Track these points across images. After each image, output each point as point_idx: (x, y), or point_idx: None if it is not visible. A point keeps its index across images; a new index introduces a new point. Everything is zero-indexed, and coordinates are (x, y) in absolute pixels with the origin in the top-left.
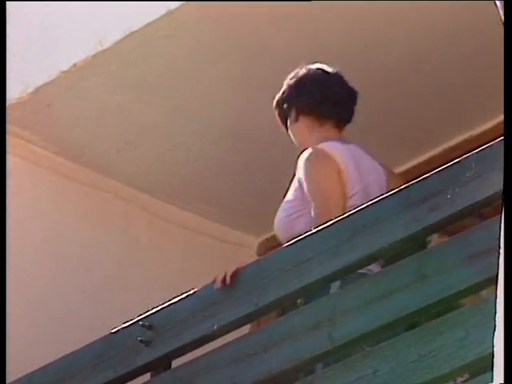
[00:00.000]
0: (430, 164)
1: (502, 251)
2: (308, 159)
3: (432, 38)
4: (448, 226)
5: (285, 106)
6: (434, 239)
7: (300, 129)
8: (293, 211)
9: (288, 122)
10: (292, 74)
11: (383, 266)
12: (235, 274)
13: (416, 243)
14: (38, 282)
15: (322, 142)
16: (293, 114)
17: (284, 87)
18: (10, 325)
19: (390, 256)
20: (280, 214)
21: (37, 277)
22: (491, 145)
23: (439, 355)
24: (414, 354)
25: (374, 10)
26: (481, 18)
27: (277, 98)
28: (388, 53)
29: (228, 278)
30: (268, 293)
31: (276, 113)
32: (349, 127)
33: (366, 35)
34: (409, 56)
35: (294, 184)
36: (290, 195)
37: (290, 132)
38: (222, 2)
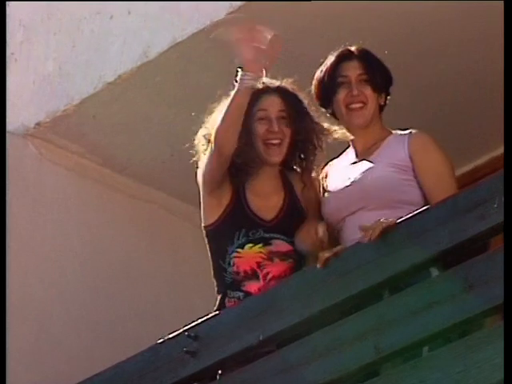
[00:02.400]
0: (475, 173)
1: None
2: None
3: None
4: (494, 235)
5: None
6: None
7: None
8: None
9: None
10: None
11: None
12: (339, 253)
13: (462, 253)
14: (84, 293)
15: None
16: None
17: None
18: (57, 335)
19: (438, 266)
20: (389, 175)
21: (83, 287)
22: None
23: (485, 366)
24: (461, 364)
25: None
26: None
27: None
28: (435, 64)
29: (333, 255)
30: (312, 303)
31: None
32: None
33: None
34: (457, 64)
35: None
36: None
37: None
38: (268, 12)
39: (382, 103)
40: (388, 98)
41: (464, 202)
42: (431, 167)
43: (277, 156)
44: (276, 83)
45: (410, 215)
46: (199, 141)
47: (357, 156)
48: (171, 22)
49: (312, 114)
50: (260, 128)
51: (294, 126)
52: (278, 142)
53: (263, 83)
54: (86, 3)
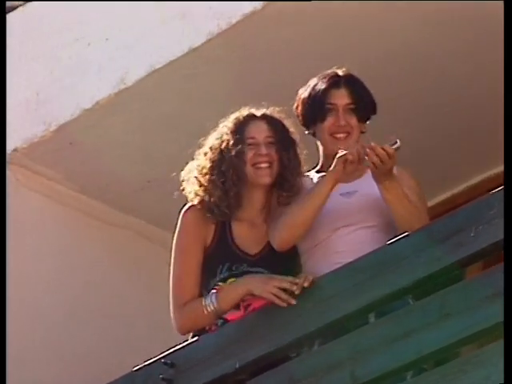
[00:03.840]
0: (452, 202)
1: None
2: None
3: (455, 79)
4: (470, 264)
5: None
6: None
7: None
8: None
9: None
10: None
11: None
12: (313, 281)
13: (438, 282)
14: (60, 320)
15: None
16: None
17: None
18: (28, 364)
19: (415, 293)
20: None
21: (57, 314)
22: None
23: None
24: None
25: (387, 49)
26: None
27: None
28: (409, 92)
29: (306, 283)
30: (290, 331)
31: None
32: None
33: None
34: (431, 95)
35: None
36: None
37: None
38: (243, 40)
39: (364, 130)
40: (367, 123)
41: (441, 230)
42: (415, 193)
43: (266, 176)
44: (262, 111)
45: (388, 243)
46: (186, 176)
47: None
48: (149, 49)
49: (297, 141)
50: (249, 153)
51: (281, 152)
52: (267, 165)
53: (249, 111)
54: (64, 30)
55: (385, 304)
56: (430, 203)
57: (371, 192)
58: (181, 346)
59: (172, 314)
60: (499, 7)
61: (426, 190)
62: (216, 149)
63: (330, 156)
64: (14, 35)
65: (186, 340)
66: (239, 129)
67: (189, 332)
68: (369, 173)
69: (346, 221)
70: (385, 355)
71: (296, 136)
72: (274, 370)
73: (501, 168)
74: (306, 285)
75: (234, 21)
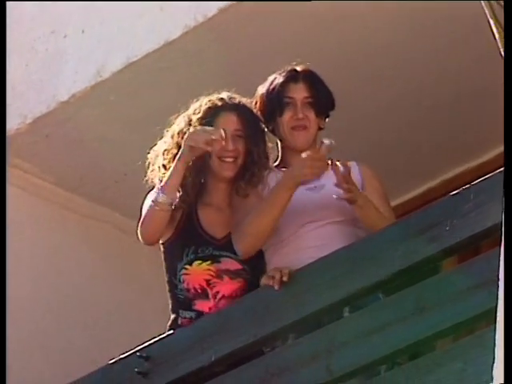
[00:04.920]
0: (427, 196)
1: (501, 283)
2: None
3: (433, 72)
4: (446, 257)
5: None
6: None
7: None
8: None
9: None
10: None
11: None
12: (291, 274)
13: (413, 275)
14: (36, 312)
15: None
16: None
17: None
18: (8, 356)
19: (391, 287)
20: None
21: (34, 307)
22: (490, 176)
23: None
24: None
25: (377, 44)
26: (479, 55)
27: None
28: (388, 86)
29: (285, 278)
30: (265, 324)
31: None
32: (345, 158)
33: (366, 69)
34: (408, 88)
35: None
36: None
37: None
38: (220, 34)
39: (322, 126)
40: (326, 120)
41: (416, 223)
42: (380, 195)
43: (230, 171)
44: (236, 100)
45: (364, 237)
46: (152, 160)
47: None
48: (125, 41)
49: (267, 135)
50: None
51: (249, 145)
52: (232, 160)
53: (222, 99)
54: (40, 22)
55: (361, 297)
56: (406, 197)
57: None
58: (156, 339)
59: (138, 233)
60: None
61: (402, 183)
62: (183, 134)
63: (288, 150)
64: None
65: (162, 333)
66: (209, 118)
67: (155, 237)
68: (333, 167)
69: (313, 216)
70: (360, 349)
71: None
72: (250, 362)
73: (476, 162)
74: (285, 279)
75: (210, 14)
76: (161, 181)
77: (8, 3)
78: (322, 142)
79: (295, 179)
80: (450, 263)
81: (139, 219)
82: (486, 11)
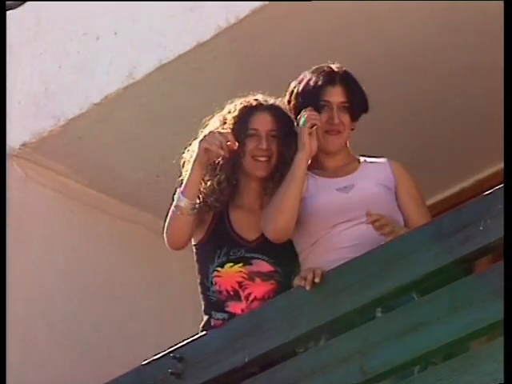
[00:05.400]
0: (460, 196)
1: None
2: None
3: (465, 68)
4: (480, 257)
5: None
6: None
7: None
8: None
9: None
10: None
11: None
12: (323, 275)
13: (447, 275)
14: (69, 312)
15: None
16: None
17: None
18: (42, 355)
19: (424, 287)
20: (382, 191)
21: (68, 307)
22: None
23: None
24: None
25: (407, 42)
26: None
27: None
28: (419, 85)
29: (317, 279)
30: (298, 325)
31: None
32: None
33: (399, 68)
34: (441, 85)
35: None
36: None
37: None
38: (252, 35)
39: (353, 127)
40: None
41: (449, 224)
42: (414, 195)
43: (263, 170)
44: (270, 101)
45: (397, 236)
46: (187, 160)
47: (329, 173)
48: (157, 43)
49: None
50: (250, 143)
51: (281, 146)
52: (266, 159)
53: (257, 100)
54: (73, 24)
55: (395, 298)
56: (439, 197)
57: (368, 186)
58: (189, 340)
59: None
60: (499, 7)
61: (434, 184)
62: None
63: (320, 151)
64: (23, 29)
65: (196, 334)
66: (243, 117)
67: (180, 242)
68: (363, 167)
69: (345, 216)
70: (394, 349)
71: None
72: (283, 363)
73: None
74: (317, 280)
75: (242, 15)
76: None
77: (39, 4)
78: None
79: (301, 150)
80: (483, 263)
81: None
82: None
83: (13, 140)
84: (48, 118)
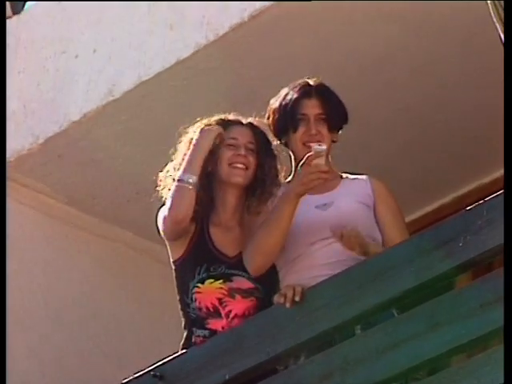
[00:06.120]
0: (440, 212)
1: None
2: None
3: (446, 85)
4: (460, 274)
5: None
6: None
7: None
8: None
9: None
10: None
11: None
12: (303, 292)
13: (427, 292)
14: (48, 330)
15: None
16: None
17: None
18: (20, 373)
19: (404, 304)
20: (361, 209)
21: (46, 326)
22: (502, 193)
23: None
24: None
25: (389, 54)
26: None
27: None
28: (399, 99)
29: (297, 297)
30: (279, 342)
31: None
32: (357, 172)
33: (378, 81)
34: (420, 102)
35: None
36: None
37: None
38: (231, 52)
39: (335, 139)
40: (339, 132)
41: (429, 240)
42: (393, 212)
43: (240, 177)
44: (249, 119)
45: (377, 253)
46: (163, 179)
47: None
48: (136, 60)
49: (278, 155)
50: (227, 152)
51: (260, 160)
52: (243, 166)
53: (235, 116)
54: (52, 42)
55: (375, 314)
56: (419, 213)
57: (347, 204)
58: (170, 358)
59: (163, 221)
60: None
61: (414, 200)
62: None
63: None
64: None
65: (176, 352)
66: (222, 127)
67: (188, 216)
68: (343, 184)
69: (323, 234)
70: (375, 366)
71: (278, 150)
72: (263, 381)
73: (489, 178)
74: (297, 299)
75: (221, 32)
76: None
77: (19, 23)
78: (310, 147)
79: (295, 191)
80: (463, 280)
81: (152, 238)
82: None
83: None
84: (27, 136)
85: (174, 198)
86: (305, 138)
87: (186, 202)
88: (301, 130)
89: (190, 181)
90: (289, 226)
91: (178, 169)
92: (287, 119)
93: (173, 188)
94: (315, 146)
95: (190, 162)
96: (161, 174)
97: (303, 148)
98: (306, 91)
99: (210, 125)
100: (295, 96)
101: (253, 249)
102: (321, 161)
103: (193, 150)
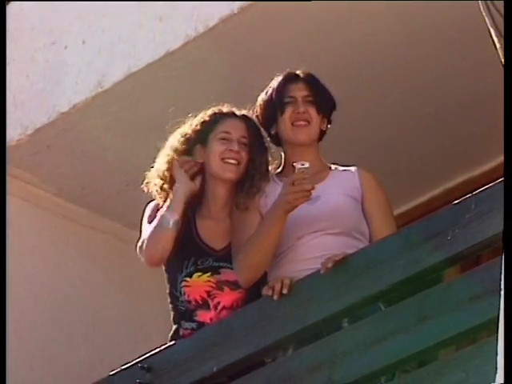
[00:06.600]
0: (429, 205)
1: (502, 293)
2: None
3: (437, 77)
4: (449, 267)
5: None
6: None
7: None
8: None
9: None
10: None
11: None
12: (292, 285)
13: (416, 285)
14: (36, 321)
15: None
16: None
17: None
18: (9, 365)
19: (392, 297)
20: (348, 202)
21: (35, 316)
22: (491, 186)
23: None
24: None
25: (380, 47)
26: (483, 61)
27: None
28: (390, 91)
29: (285, 290)
30: (268, 334)
31: None
32: (347, 164)
33: (369, 73)
34: (411, 94)
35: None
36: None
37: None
38: (220, 44)
39: (324, 128)
40: (329, 126)
41: (418, 233)
42: (381, 205)
43: (232, 172)
44: (243, 111)
45: (365, 246)
46: (151, 179)
47: None
48: (126, 52)
49: (269, 147)
50: (219, 146)
51: (252, 155)
52: (235, 162)
53: (229, 108)
54: (41, 33)
55: (363, 307)
56: (408, 206)
57: (334, 197)
58: (158, 350)
59: (139, 252)
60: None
61: (404, 192)
62: (187, 136)
63: (291, 155)
64: None
65: (164, 344)
66: (214, 120)
67: (163, 258)
68: (331, 176)
69: (310, 228)
70: (363, 358)
71: (269, 144)
72: (251, 373)
73: (478, 171)
74: (285, 291)
75: (211, 24)
76: (164, 201)
77: (8, 13)
78: (294, 167)
79: (283, 208)
80: (452, 273)
81: (140, 230)
82: (487, 20)
83: None
84: (16, 127)
85: (151, 238)
86: (293, 117)
87: (162, 245)
88: (289, 110)
89: (172, 222)
90: (277, 242)
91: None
92: (275, 104)
93: (153, 224)
94: (298, 166)
95: (175, 204)
96: (149, 175)
97: (292, 128)
98: (292, 77)
99: (184, 161)
100: (282, 81)
101: (242, 263)
102: (304, 181)
103: (174, 192)
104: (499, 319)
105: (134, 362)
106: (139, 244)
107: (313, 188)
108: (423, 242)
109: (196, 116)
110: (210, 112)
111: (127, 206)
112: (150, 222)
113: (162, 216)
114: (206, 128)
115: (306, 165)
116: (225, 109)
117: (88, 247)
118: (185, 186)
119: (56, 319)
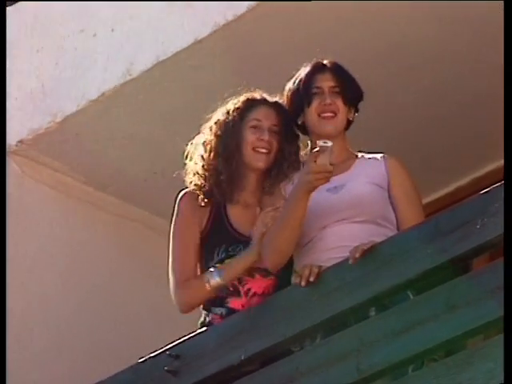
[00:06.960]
0: (456, 194)
1: None
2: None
3: (464, 67)
4: (476, 256)
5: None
6: None
7: None
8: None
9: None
10: None
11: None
12: (320, 273)
13: (444, 274)
14: (64, 310)
15: None
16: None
17: None
18: (38, 352)
19: (420, 286)
20: (373, 190)
21: (63, 305)
22: None
23: None
24: None
25: (402, 40)
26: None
27: None
28: (417, 81)
29: (312, 278)
30: (295, 323)
31: None
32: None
33: (395, 63)
34: (437, 83)
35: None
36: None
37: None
38: (249, 32)
39: (351, 118)
40: (356, 114)
41: (446, 222)
42: (408, 192)
43: (263, 162)
44: (275, 98)
45: (393, 235)
46: (191, 152)
47: None
48: (155, 39)
49: (299, 136)
50: (251, 135)
51: (282, 143)
52: (266, 151)
53: (262, 95)
54: (70, 21)
55: (390, 296)
56: (436, 195)
57: (358, 186)
58: (186, 337)
59: (173, 293)
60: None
61: (430, 182)
62: (220, 124)
63: (317, 137)
64: (20, 26)
65: (192, 332)
66: (246, 108)
67: (191, 308)
68: (357, 165)
69: (335, 217)
70: (390, 348)
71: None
72: (279, 361)
73: None
74: (311, 279)
75: (239, 12)
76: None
77: (37, 1)
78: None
79: (303, 188)
80: (480, 262)
81: (169, 217)
82: None
83: (9, 137)
84: (45, 115)
85: (189, 291)
86: (319, 109)
87: (197, 301)
88: (315, 102)
89: (215, 284)
90: (301, 223)
91: (203, 150)
92: (302, 94)
93: (195, 284)
94: (320, 143)
95: (229, 270)
96: (188, 148)
97: (318, 119)
98: (319, 67)
99: None
100: (309, 72)
101: (268, 247)
102: (325, 160)
103: (240, 263)
104: None
105: (163, 349)
106: (170, 269)
107: (331, 171)
108: (452, 231)
109: (225, 104)
110: (242, 100)
111: (155, 193)
112: (181, 232)
113: (210, 272)
114: (239, 114)
115: (329, 143)
116: (257, 95)
117: (116, 235)
118: (247, 260)
119: (83, 307)
